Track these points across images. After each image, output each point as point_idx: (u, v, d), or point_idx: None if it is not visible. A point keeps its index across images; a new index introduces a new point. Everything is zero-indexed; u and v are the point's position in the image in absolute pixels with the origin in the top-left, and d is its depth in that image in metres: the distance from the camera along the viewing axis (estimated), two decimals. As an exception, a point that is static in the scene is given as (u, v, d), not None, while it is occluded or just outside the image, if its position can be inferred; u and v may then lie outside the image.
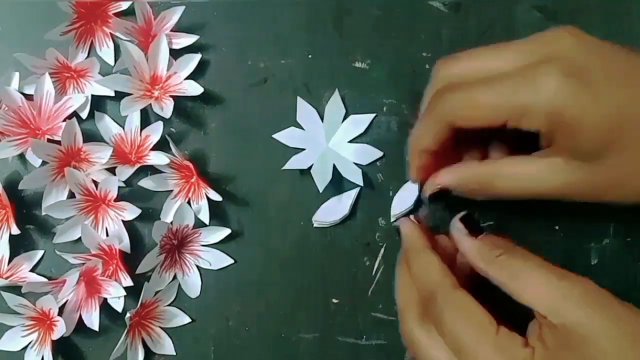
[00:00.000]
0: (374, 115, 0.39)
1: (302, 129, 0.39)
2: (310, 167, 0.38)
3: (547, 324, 0.28)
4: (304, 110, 0.39)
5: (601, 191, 0.30)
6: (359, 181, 0.38)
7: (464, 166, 0.34)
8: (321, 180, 0.38)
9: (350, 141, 0.39)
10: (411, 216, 0.37)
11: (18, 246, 0.39)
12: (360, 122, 0.39)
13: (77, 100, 0.38)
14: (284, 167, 0.38)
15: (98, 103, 0.39)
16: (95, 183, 0.38)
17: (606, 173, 0.29)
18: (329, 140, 0.39)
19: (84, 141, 0.38)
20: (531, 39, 0.31)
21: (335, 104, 0.39)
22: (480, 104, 0.30)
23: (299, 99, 0.39)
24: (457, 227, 0.33)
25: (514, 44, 0.31)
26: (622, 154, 0.28)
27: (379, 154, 0.39)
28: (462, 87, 0.31)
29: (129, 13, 0.39)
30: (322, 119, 0.39)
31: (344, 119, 0.39)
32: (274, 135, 0.38)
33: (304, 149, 0.39)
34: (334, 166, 0.38)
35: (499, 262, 0.30)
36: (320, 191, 0.38)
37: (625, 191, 0.30)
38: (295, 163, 0.38)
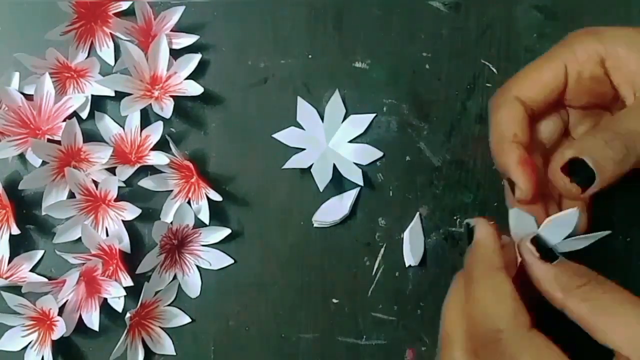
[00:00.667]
0: (374, 115, 0.39)
1: (302, 128, 0.39)
2: (310, 167, 0.38)
3: None
4: (304, 110, 0.39)
5: None
6: (359, 181, 0.38)
7: (591, 131, 0.30)
8: (321, 179, 0.38)
9: (350, 141, 0.39)
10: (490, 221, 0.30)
11: (18, 246, 0.39)
12: (361, 122, 0.39)
13: (77, 100, 0.38)
14: (284, 166, 0.38)
15: (98, 103, 0.39)
16: (95, 183, 0.38)
17: None
18: (329, 140, 0.39)
19: (84, 141, 0.38)
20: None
21: (335, 104, 0.39)
22: (537, 70, 0.32)
23: (299, 98, 0.39)
24: (528, 248, 0.28)
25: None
26: None
27: (379, 154, 0.39)
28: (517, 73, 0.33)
29: (129, 13, 0.39)
30: (322, 118, 0.39)
31: (344, 119, 0.39)
32: (274, 135, 0.38)
33: (304, 149, 0.39)
34: (334, 166, 0.38)
35: (580, 293, 0.26)
36: (321, 190, 0.38)
37: None
38: (295, 162, 0.38)
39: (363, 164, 0.39)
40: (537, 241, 0.29)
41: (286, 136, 0.39)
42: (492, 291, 0.27)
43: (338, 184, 0.39)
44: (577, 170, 0.28)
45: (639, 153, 0.28)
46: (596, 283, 0.27)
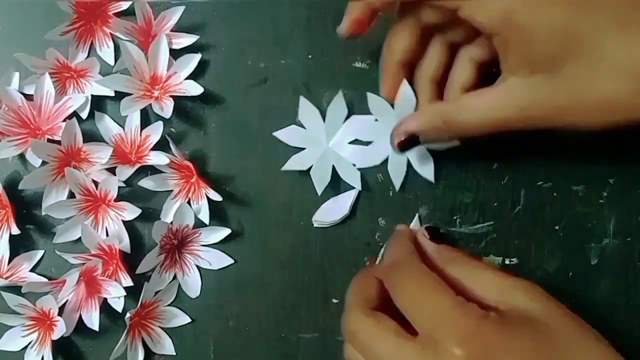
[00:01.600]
0: (374, 118, 0.39)
1: (304, 128, 0.39)
2: (309, 168, 0.38)
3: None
4: (306, 109, 0.39)
5: (562, 110, 0.30)
6: (357, 185, 0.38)
7: (427, 107, 0.35)
8: (320, 182, 0.38)
9: (351, 142, 0.39)
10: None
11: (18, 246, 0.39)
12: (362, 123, 0.39)
13: (77, 100, 0.38)
14: (283, 168, 0.38)
15: (98, 103, 0.39)
16: (95, 183, 0.38)
17: (564, 85, 0.29)
18: (330, 140, 0.39)
19: (84, 141, 0.38)
20: None
21: (338, 104, 0.38)
22: None
23: (301, 98, 0.39)
24: (422, 232, 0.37)
25: None
26: (579, 63, 0.29)
27: (380, 159, 0.39)
28: None
29: (129, 13, 0.39)
30: (323, 118, 0.39)
31: (346, 119, 0.39)
32: (274, 133, 0.38)
33: (304, 148, 0.39)
34: (334, 168, 0.38)
35: (455, 260, 0.34)
36: (319, 194, 0.38)
37: (587, 106, 0.29)
38: (294, 164, 0.38)
39: (363, 166, 0.39)
40: (432, 229, 0.37)
41: (287, 135, 0.39)
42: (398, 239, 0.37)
43: (336, 185, 0.39)
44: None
45: (465, 136, 0.34)
46: (467, 256, 0.34)
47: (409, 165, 0.38)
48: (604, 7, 0.28)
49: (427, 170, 0.38)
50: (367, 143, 0.39)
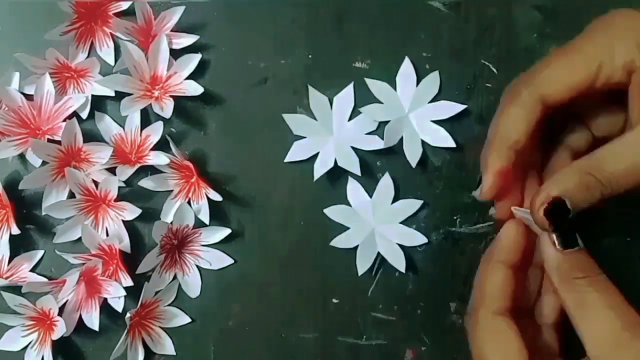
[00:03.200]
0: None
1: (314, 118, 0.39)
2: (311, 165, 0.38)
3: None
4: (316, 99, 0.38)
5: None
6: (357, 171, 0.37)
7: (565, 169, 0.30)
8: (319, 170, 0.38)
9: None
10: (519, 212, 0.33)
11: (18, 246, 0.39)
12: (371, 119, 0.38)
13: (77, 100, 0.38)
14: (286, 159, 0.38)
15: (98, 103, 0.39)
16: (96, 183, 0.38)
17: None
18: (337, 130, 0.39)
19: (84, 141, 0.38)
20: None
21: (346, 97, 0.38)
22: (570, 69, 0.30)
23: (310, 88, 0.38)
24: (551, 239, 0.30)
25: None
26: None
27: (380, 143, 0.38)
28: (541, 67, 0.31)
29: (129, 13, 0.39)
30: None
31: (352, 112, 0.39)
32: (283, 115, 0.38)
33: (304, 137, 0.39)
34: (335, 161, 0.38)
35: (573, 284, 0.29)
36: (314, 180, 0.38)
37: None
38: (296, 154, 0.38)
39: (364, 149, 0.38)
40: (560, 230, 0.30)
41: (293, 121, 0.38)
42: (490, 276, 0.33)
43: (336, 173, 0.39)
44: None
45: (618, 192, 0.29)
46: (593, 280, 0.29)
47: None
48: None
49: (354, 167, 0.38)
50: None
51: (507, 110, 0.31)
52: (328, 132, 0.39)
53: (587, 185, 0.29)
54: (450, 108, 0.38)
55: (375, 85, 0.38)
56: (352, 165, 0.38)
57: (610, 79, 0.30)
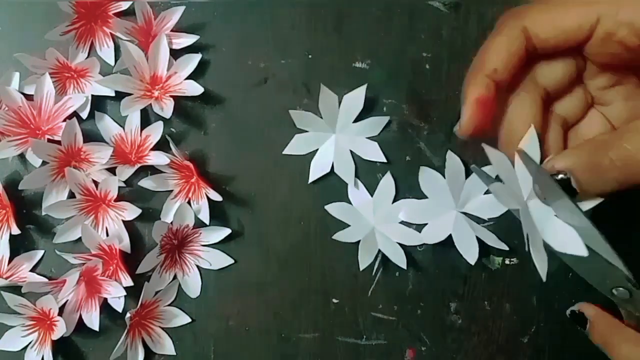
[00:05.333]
0: (388, 118, 0.39)
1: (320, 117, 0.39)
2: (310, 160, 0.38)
3: None
4: (326, 95, 0.38)
5: None
6: (350, 180, 0.38)
7: (580, 144, 0.28)
8: (315, 172, 0.38)
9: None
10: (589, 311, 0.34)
11: (18, 246, 0.39)
12: (376, 124, 0.39)
13: (77, 100, 0.38)
14: (284, 152, 0.38)
15: (98, 103, 0.39)
16: (96, 183, 0.38)
17: None
18: (341, 129, 0.39)
19: (84, 141, 0.38)
20: None
21: (355, 98, 0.38)
22: (562, 13, 0.28)
23: (322, 86, 0.38)
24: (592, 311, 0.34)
25: None
26: None
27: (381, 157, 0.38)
28: (534, 4, 0.29)
29: (129, 13, 0.39)
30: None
31: (359, 115, 0.39)
32: (290, 111, 0.38)
33: (307, 131, 0.39)
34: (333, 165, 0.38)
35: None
36: (309, 182, 0.38)
37: None
38: (294, 148, 0.38)
39: (362, 157, 0.39)
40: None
41: (299, 117, 0.39)
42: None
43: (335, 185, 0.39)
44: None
45: (631, 183, 0.26)
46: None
47: (409, 163, 0.38)
48: None
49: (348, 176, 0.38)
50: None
51: (489, 39, 0.30)
52: (331, 129, 0.39)
53: (599, 165, 0.26)
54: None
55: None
56: (347, 173, 0.38)
57: (612, 35, 0.27)
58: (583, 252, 0.27)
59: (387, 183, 0.38)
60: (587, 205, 0.28)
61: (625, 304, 0.31)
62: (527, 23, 0.28)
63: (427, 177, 0.38)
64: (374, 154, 0.38)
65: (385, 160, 0.38)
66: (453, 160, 0.37)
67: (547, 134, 0.31)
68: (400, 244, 0.38)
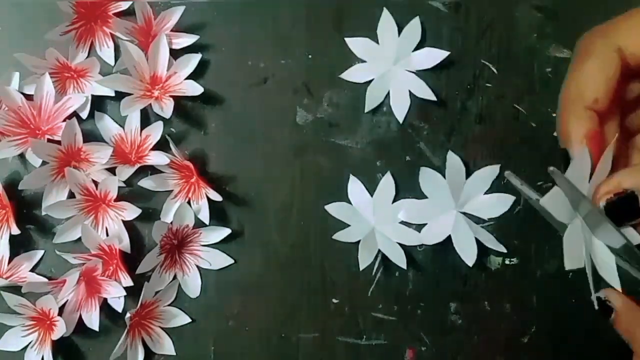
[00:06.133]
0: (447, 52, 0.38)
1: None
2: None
3: None
4: (387, 22, 0.38)
5: None
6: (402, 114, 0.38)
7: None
8: (371, 102, 0.38)
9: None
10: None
11: (18, 246, 0.39)
12: (434, 55, 0.38)
13: (77, 100, 0.38)
14: (341, 75, 0.38)
15: (98, 103, 0.39)
16: (95, 183, 0.38)
17: None
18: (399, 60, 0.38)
19: (84, 141, 0.38)
20: None
21: (414, 27, 0.38)
22: None
23: (384, 10, 0.38)
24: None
25: None
26: None
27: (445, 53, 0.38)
28: (621, 19, 0.27)
29: (129, 13, 0.39)
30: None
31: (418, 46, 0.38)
32: (347, 39, 0.38)
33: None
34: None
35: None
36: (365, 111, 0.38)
37: None
38: (354, 74, 0.38)
39: (417, 94, 0.38)
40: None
41: (355, 44, 0.38)
42: None
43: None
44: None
45: None
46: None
47: (410, 164, 0.38)
48: None
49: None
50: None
51: (579, 66, 0.27)
52: (390, 58, 0.38)
53: None
54: (436, 55, 0.38)
55: (357, 43, 0.38)
56: (401, 109, 0.38)
57: None
58: (617, 286, 0.27)
59: (387, 183, 0.38)
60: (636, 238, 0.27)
61: None
62: (621, 42, 0.26)
63: (427, 177, 0.38)
64: (424, 92, 0.38)
65: (435, 99, 0.38)
66: (453, 160, 0.38)
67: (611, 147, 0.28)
68: (400, 244, 0.38)
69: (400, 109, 0.38)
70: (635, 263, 0.28)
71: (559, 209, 0.27)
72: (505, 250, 0.37)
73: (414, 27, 0.38)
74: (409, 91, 0.38)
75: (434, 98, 0.38)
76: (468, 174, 0.38)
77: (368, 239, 0.38)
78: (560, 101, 0.27)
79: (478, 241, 0.37)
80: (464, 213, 0.38)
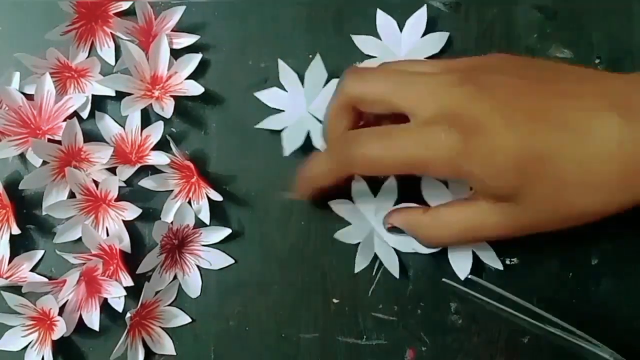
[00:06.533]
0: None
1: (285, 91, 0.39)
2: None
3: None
4: (286, 73, 0.39)
5: (531, 227, 0.31)
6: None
7: (409, 214, 0.35)
8: (290, 145, 0.37)
9: None
10: None
11: (18, 246, 0.39)
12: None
13: (77, 100, 0.38)
14: (257, 126, 0.38)
15: (99, 103, 0.39)
16: (96, 183, 0.38)
17: (533, 207, 0.30)
18: (309, 104, 0.38)
19: (85, 141, 0.38)
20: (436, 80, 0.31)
21: (316, 69, 0.38)
22: (381, 160, 0.31)
23: (279, 61, 0.38)
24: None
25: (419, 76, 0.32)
26: (534, 192, 0.29)
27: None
28: (360, 139, 0.32)
29: (129, 13, 0.39)
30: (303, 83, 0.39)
31: (326, 83, 0.38)
32: (255, 94, 0.39)
33: (283, 111, 0.39)
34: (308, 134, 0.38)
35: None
36: (286, 155, 0.37)
37: (557, 220, 0.31)
38: (269, 123, 0.38)
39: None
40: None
41: (267, 96, 0.39)
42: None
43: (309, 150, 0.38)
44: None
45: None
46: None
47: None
48: (558, 125, 0.29)
49: None
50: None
51: (319, 158, 0.35)
52: (300, 106, 0.38)
53: (413, 233, 0.35)
54: (440, 38, 0.38)
55: (363, 40, 0.39)
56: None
57: (438, 175, 0.35)
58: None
59: (390, 185, 0.38)
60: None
61: None
62: (347, 160, 0.33)
63: (428, 185, 0.38)
64: None
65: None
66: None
67: None
68: (396, 250, 0.38)
69: None
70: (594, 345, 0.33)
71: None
72: (502, 268, 0.37)
73: (420, 17, 0.38)
74: None
75: None
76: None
77: (367, 241, 0.38)
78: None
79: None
80: None
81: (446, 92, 0.30)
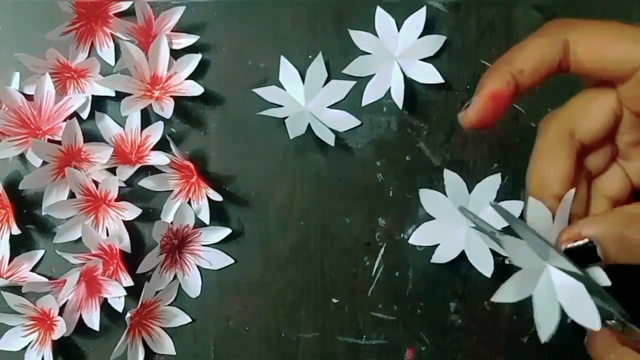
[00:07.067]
0: (354, 82, 0.39)
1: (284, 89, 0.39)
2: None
3: None
4: (287, 70, 0.39)
5: None
6: (331, 142, 0.37)
7: (610, 211, 0.28)
8: (294, 130, 0.37)
9: (330, 107, 0.39)
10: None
11: (18, 246, 0.39)
12: (341, 88, 0.39)
13: (77, 100, 0.38)
14: (259, 113, 0.38)
15: (99, 103, 0.39)
16: (96, 183, 0.38)
17: None
18: (308, 102, 0.39)
19: (85, 141, 0.38)
20: None
21: (317, 67, 0.38)
22: (611, 48, 0.26)
23: (282, 58, 0.39)
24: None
25: None
26: None
27: (356, 122, 0.39)
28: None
29: (129, 13, 0.39)
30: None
31: (325, 83, 0.39)
32: (254, 90, 0.39)
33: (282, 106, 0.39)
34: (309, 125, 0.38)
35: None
36: (291, 138, 0.37)
37: None
38: (272, 112, 0.38)
39: (339, 130, 0.39)
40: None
41: (266, 93, 0.39)
42: None
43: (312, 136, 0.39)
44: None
45: None
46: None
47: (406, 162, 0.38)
48: None
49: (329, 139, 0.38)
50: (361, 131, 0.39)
51: (528, 39, 0.28)
52: (299, 104, 0.39)
53: (631, 240, 0.25)
54: (436, 41, 0.38)
55: (360, 36, 0.39)
56: (327, 138, 0.38)
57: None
58: (596, 326, 0.26)
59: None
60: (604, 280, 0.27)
61: (618, 333, 0.30)
62: (571, 37, 0.27)
63: (428, 198, 0.37)
64: (432, 76, 0.38)
65: (442, 81, 0.38)
66: (451, 178, 0.37)
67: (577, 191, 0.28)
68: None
69: (398, 94, 0.38)
70: (604, 298, 0.28)
71: (517, 252, 0.28)
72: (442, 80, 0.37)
73: (419, 17, 0.38)
74: (411, 84, 0.38)
75: (440, 80, 0.38)
76: (468, 174, 0.38)
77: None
78: (529, 183, 0.29)
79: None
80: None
81: None
